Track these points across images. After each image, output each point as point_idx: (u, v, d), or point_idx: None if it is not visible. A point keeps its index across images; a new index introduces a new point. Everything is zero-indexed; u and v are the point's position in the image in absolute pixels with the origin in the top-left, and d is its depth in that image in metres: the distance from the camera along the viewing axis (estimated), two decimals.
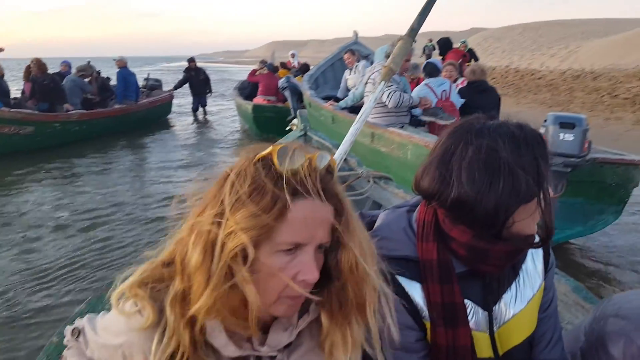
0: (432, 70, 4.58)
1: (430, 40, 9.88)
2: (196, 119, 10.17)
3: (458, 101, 4.07)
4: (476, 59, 8.30)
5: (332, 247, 0.58)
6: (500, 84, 12.57)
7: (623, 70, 10.55)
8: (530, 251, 0.85)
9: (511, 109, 8.99)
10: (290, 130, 6.70)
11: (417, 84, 4.47)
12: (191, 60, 9.87)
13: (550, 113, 2.75)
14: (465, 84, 4.64)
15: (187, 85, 9.86)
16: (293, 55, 10.49)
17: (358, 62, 5.63)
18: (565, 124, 2.53)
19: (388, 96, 3.52)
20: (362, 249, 0.58)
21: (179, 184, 5.05)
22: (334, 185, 0.58)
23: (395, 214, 0.86)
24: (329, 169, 0.58)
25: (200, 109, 10.40)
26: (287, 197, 0.52)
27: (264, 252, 0.54)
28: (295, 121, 7.07)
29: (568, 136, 2.50)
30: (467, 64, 6.46)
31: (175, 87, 9.92)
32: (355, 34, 7.40)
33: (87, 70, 7.67)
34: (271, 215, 0.52)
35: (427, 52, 9.44)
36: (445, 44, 6.69)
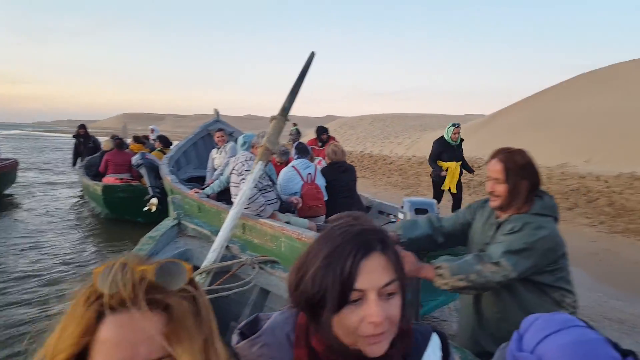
0: (302, 151, 4.74)
1: (295, 125, 10.40)
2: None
3: (323, 184, 4.23)
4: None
5: None
6: (358, 167, 13.76)
7: None
8: (430, 346, 0.84)
9: (370, 190, 9.78)
10: (150, 210, 6.10)
11: None
12: (81, 127, 9.67)
13: (405, 199, 2.99)
14: (321, 163, 4.96)
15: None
16: (152, 131, 10.05)
17: (227, 142, 5.57)
18: (420, 210, 2.87)
19: (218, 184, 3.55)
20: None
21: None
22: (168, 296, 0.55)
23: (283, 317, 0.83)
24: (168, 278, 0.56)
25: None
26: (95, 316, 0.53)
27: None
28: (153, 200, 6.46)
29: None
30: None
31: (74, 161, 9.07)
32: (217, 112, 7.41)
33: None
34: (79, 338, 0.52)
35: (293, 136, 9.86)
36: (324, 133, 7.13)
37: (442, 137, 6.22)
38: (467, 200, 8.40)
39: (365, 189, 9.75)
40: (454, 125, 6.20)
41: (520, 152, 1.80)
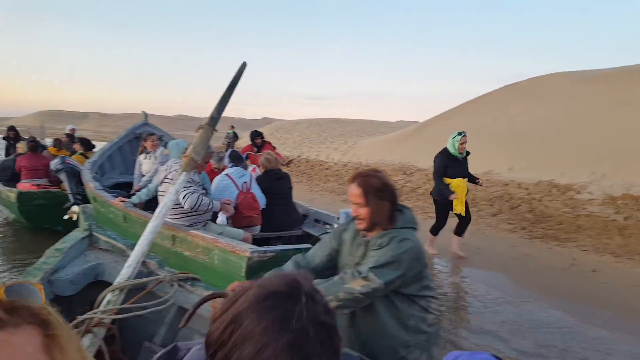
0: (236, 158, 4.62)
1: (232, 127, 10.16)
2: None
3: (258, 193, 4.14)
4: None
5: None
6: (294, 173, 13.73)
7: (390, 164, 12.90)
8: None
9: (307, 196, 9.78)
10: (71, 219, 5.64)
11: None
12: (10, 129, 9.05)
13: (341, 211, 3.01)
14: (255, 171, 4.88)
15: None
16: (73, 130, 9.37)
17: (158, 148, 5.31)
18: None
19: (184, 197, 3.31)
20: None
21: None
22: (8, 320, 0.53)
23: (201, 354, 0.75)
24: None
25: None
26: None
27: None
28: (75, 208, 5.98)
29: None
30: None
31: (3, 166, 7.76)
32: (145, 114, 7.05)
33: None
34: None
35: (228, 139, 9.61)
36: (259, 137, 6.94)
37: (445, 150, 5.29)
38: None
39: (302, 194, 9.74)
40: (459, 134, 5.23)
41: (376, 175, 1.89)
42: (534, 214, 7.33)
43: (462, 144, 5.20)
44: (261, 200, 4.12)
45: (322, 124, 26.61)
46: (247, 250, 2.75)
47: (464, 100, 16.86)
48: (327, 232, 4.57)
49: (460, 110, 15.53)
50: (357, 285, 1.77)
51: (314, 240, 3.64)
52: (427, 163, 12.02)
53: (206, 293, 2.02)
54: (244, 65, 2.64)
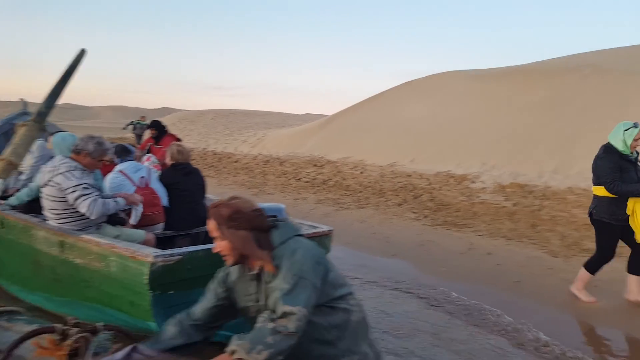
0: (122, 152, 4.23)
1: (143, 118, 9.32)
2: None
3: (159, 187, 3.81)
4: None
5: None
6: (201, 165, 13.13)
7: (301, 157, 12.92)
8: None
9: (215, 190, 9.39)
10: None
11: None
12: None
13: (258, 204, 2.85)
14: (150, 159, 4.55)
15: None
16: None
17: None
18: (268, 217, 2.75)
19: (89, 208, 2.89)
20: None
21: None
22: None
23: None
24: None
25: None
26: None
27: None
28: None
29: None
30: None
31: None
32: (24, 102, 6.16)
33: None
34: None
35: (138, 130, 8.77)
36: (161, 128, 6.40)
37: (608, 147, 3.76)
38: (312, 197, 8.75)
39: (211, 188, 9.28)
40: (635, 125, 3.67)
41: (227, 204, 1.78)
42: (435, 202, 7.79)
43: (636, 139, 3.64)
44: (163, 196, 3.80)
45: (229, 115, 25.88)
46: (149, 254, 2.45)
47: (367, 96, 17.48)
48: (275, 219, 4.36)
49: (364, 105, 16.06)
50: (281, 326, 1.61)
51: None
52: (337, 155, 12.28)
53: (28, 329, 1.71)
54: (82, 53, 2.31)
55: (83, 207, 2.89)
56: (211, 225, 1.79)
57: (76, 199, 2.89)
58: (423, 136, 11.45)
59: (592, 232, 5.89)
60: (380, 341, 3.15)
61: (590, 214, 3.89)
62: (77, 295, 2.97)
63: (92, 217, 2.96)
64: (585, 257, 5.03)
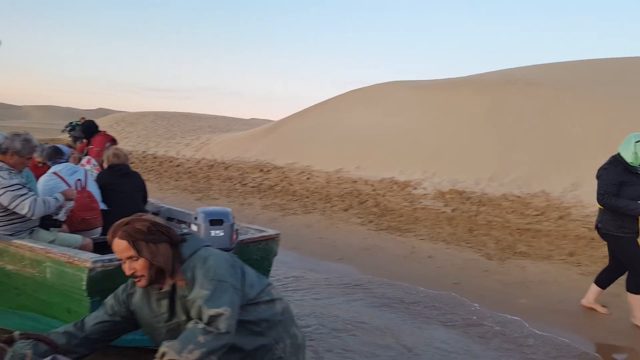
0: (52, 154, 4.07)
1: (83, 119, 8.85)
2: None
3: (96, 190, 3.67)
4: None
5: None
6: (141, 169, 12.63)
7: (247, 162, 12.80)
8: None
9: (156, 195, 9.08)
10: None
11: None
12: None
13: (199, 209, 2.84)
14: (91, 162, 4.42)
15: None
16: None
17: None
18: (215, 221, 2.74)
19: (30, 208, 2.72)
20: None
21: None
22: None
23: None
24: None
25: None
26: None
27: None
28: None
29: (219, 232, 2.73)
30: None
31: None
32: None
33: None
34: None
35: (76, 132, 8.32)
36: (90, 127, 6.14)
37: (616, 159, 3.63)
38: (258, 203, 8.69)
39: (152, 193, 8.96)
40: None
41: (139, 219, 1.75)
42: (380, 208, 8.02)
43: None
44: (100, 199, 3.66)
45: (171, 117, 25.11)
46: (87, 260, 2.35)
47: (313, 103, 17.69)
48: (183, 232, 4.26)
49: (311, 112, 16.22)
50: (212, 328, 1.59)
51: None
52: (284, 161, 12.29)
53: None
54: None
55: (22, 208, 2.72)
56: (122, 246, 1.70)
57: (12, 200, 2.71)
58: (368, 143, 11.74)
59: (525, 236, 6.33)
60: (325, 339, 3.21)
61: (598, 228, 3.75)
62: (9, 303, 2.80)
63: (34, 217, 2.80)
64: (519, 260, 5.41)
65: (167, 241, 1.74)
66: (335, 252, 5.81)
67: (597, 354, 3.33)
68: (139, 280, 1.73)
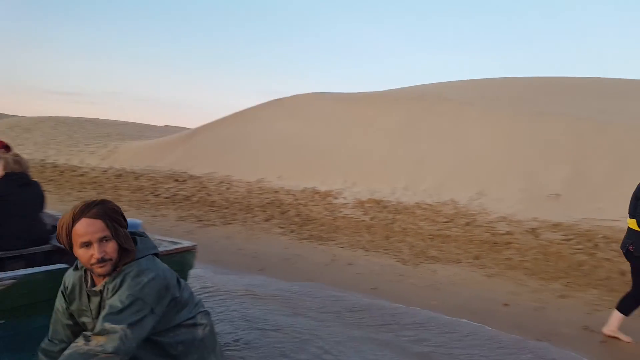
0: None
1: None
2: None
3: None
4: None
5: None
6: (39, 179, 11.61)
7: (160, 171, 12.31)
8: None
9: (57, 207, 8.41)
10: None
11: None
12: None
13: None
14: None
15: None
16: None
17: None
18: None
19: None
20: None
21: None
22: None
23: None
24: None
25: None
26: None
27: None
28: None
29: None
30: None
31: None
32: None
33: None
34: None
35: None
36: None
37: None
38: (173, 214, 8.40)
39: (52, 205, 8.30)
40: None
41: (107, 201, 1.76)
42: (301, 217, 8.16)
43: None
44: None
45: (73, 123, 23.37)
46: None
47: (230, 112, 17.53)
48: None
49: (231, 120, 16.06)
50: (97, 345, 1.50)
51: (69, 256, 3.16)
52: (201, 170, 12.01)
53: None
54: None
55: None
56: (97, 225, 1.62)
57: None
58: (290, 153, 11.90)
59: (436, 241, 6.81)
60: (241, 350, 3.22)
61: (628, 251, 3.57)
62: None
63: None
64: (430, 264, 5.82)
65: (125, 229, 1.72)
66: (256, 263, 5.82)
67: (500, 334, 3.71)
68: (103, 266, 1.64)
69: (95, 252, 1.62)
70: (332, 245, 6.68)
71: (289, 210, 8.57)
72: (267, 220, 8.06)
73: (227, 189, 10.45)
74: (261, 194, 9.84)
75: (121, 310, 1.56)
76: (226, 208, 8.91)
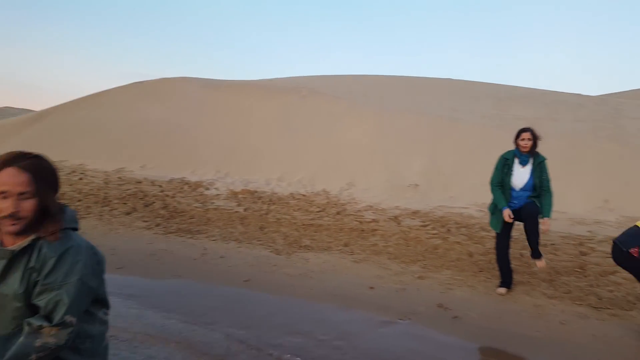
0: None
1: None
2: None
3: None
4: None
5: None
6: None
7: None
8: None
9: None
10: None
11: None
12: None
13: None
14: None
15: None
16: None
17: None
18: None
19: None
20: None
21: None
22: None
23: None
24: None
25: None
26: None
27: None
28: None
29: None
30: None
31: None
32: None
33: None
34: None
35: None
36: None
37: None
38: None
39: None
40: None
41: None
42: (168, 210, 7.72)
43: None
44: None
45: None
46: None
47: (86, 93, 15.86)
48: None
49: (86, 102, 14.52)
50: (50, 338, 1.43)
51: None
52: (51, 155, 10.60)
53: None
54: None
55: None
56: (20, 178, 1.47)
57: None
58: (155, 141, 11.18)
59: (309, 230, 6.98)
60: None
61: (628, 254, 3.59)
62: None
63: None
64: (303, 253, 5.95)
65: (56, 193, 1.59)
66: (115, 261, 5.34)
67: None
68: (14, 224, 1.47)
69: (9, 206, 1.46)
70: (202, 238, 6.45)
71: (154, 203, 8.04)
72: (128, 213, 7.46)
73: (80, 179, 9.42)
74: (121, 184, 9.07)
75: (75, 299, 1.48)
76: (79, 200, 8.03)
